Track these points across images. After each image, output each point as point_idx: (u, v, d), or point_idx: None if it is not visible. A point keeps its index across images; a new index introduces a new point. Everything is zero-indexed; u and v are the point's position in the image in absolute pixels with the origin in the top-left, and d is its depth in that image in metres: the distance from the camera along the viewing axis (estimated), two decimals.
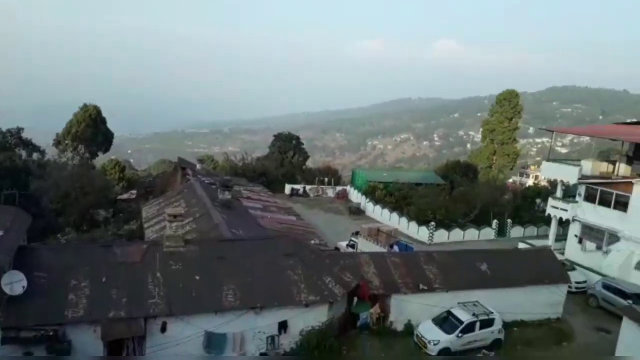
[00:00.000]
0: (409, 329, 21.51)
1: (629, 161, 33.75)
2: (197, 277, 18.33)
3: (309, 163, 74.00)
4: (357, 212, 47.95)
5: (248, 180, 52.63)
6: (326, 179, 57.93)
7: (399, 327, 21.77)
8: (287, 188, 55.25)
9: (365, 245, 31.39)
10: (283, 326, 18.61)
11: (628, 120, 56.63)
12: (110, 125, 63.05)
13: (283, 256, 20.43)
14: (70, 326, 15.70)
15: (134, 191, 50.42)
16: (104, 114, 61.85)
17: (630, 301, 24.05)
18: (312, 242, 30.98)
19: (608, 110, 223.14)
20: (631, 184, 29.19)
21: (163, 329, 16.77)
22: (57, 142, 60.14)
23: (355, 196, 52.63)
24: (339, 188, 56.55)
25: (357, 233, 33.98)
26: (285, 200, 49.29)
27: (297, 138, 70.42)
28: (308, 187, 55.71)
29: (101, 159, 63.77)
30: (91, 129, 59.37)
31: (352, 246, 32.40)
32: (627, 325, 19.18)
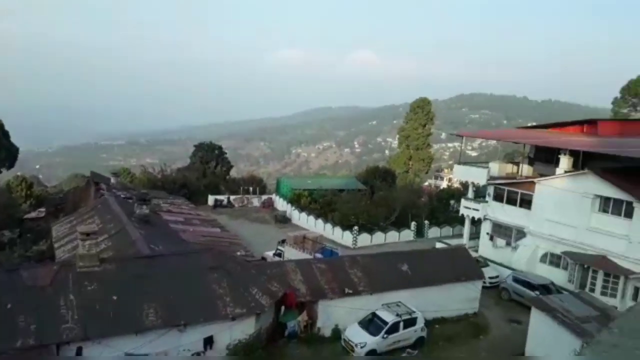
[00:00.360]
0: (337, 333, 21.80)
1: (531, 162, 36.71)
2: (115, 297, 17.40)
3: (233, 172, 72.81)
4: (283, 220, 47.91)
5: (168, 192, 50.76)
6: (251, 189, 57.27)
7: (327, 332, 22.00)
8: (211, 199, 53.98)
9: (291, 254, 31.44)
10: (209, 342, 18.12)
11: (529, 124, 61.83)
12: (14, 139, 58.05)
13: (207, 270, 19.96)
14: None
15: (43, 209, 46.81)
16: (7, 127, 56.79)
17: (537, 292, 26.06)
18: (238, 253, 30.54)
19: (511, 115, 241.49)
20: (533, 183, 31.72)
21: (78, 354, 15.71)
22: None
23: (281, 204, 52.57)
24: (264, 197, 56.16)
25: (283, 241, 33.93)
26: (209, 212, 48.14)
27: (220, 147, 69.02)
28: (232, 197, 54.79)
29: (5, 176, 58.57)
30: None
31: (279, 255, 32.31)
32: (535, 315, 20.57)
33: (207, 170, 62.96)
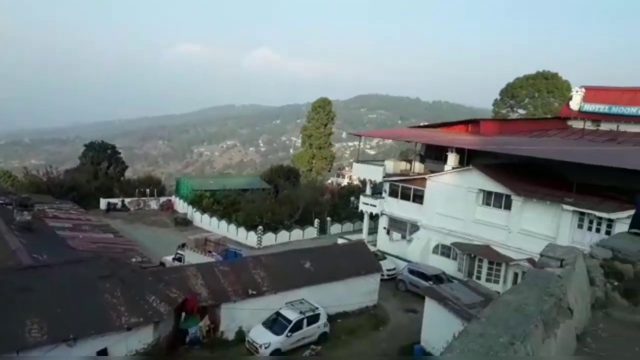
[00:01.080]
0: (241, 336, 21.55)
1: (422, 160, 38.95)
2: None
3: (129, 173, 68.71)
4: (183, 223, 46.25)
5: (55, 197, 46.67)
6: (148, 190, 54.47)
7: (231, 336, 21.67)
8: (103, 203, 50.51)
9: (193, 257, 30.39)
10: (103, 354, 17.00)
11: (421, 124, 65.79)
12: None
13: (98, 279, 18.70)
14: None
15: None
16: None
17: (430, 282, 27.79)
18: (133, 259, 28.94)
19: (405, 115, 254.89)
20: (424, 179, 33.78)
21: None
22: None
23: (181, 206, 50.71)
24: (163, 199, 53.78)
25: (183, 245, 32.74)
26: (101, 217, 45.04)
27: (113, 147, 64.65)
28: (127, 200, 51.74)
29: None
30: None
31: (179, 259, 31.08)
32: (428, 303, 21.83)
33: (99, 172, 58.70)
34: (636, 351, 5.53)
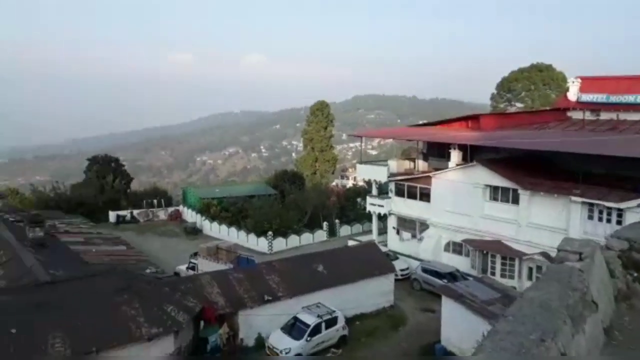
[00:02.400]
0: (260, 342, 21.69)
1: (425, 157, 38.86)
2: (14, 331, 15.88)
3: (134, 185, 69.01)
4: (193, 232, 46.53)
5: (64, 212, 47.03)
6: (155, 201, 54.84)
7: (251, 342, 21.83)
8: (112, 216, 50.88)
9: (206, 265, 30.58)
10: None
11: (420, 122, 65.92)
12: None
13: (115, 292, 18.89)
14: None
15: None
16: None
17: (445, 280, 27.76)
18: (147, 270, 29.19)
19: (403, 114, 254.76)
20: (429, 177, 33.81)
21: None
22: None
23: (190, 216, 50.99)
24: (171, 209, 54.11)
25: (196, 254, 32.94)
26: (112, 230, 45.34)
27: (117, 160, 65.04)
28: (136, 212, 52.10)
29: None
30: None
31: (193, 268, 31.32)
32: (445, 302, 21.70)
33: (105, 186, 59.00)
34: None
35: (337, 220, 46.14)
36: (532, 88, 64.85)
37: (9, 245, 26.98)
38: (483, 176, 30.63)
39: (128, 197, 57.81)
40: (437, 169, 34.45)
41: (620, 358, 5.04)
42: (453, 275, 28.84)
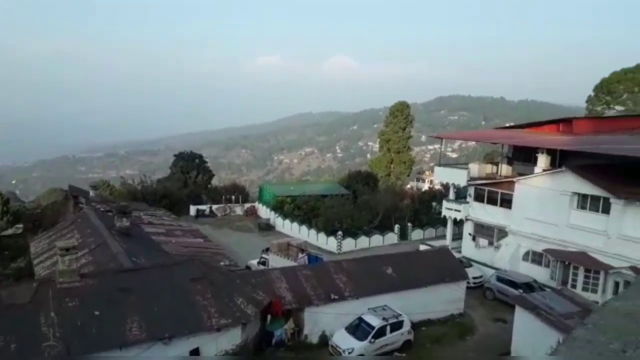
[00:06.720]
0: (324, 340, 21.74)
1: (510, 162, 37.21)
2: (97, 313, 17.05)
3: (215, 181, 72.26)
4: (266, 228, 47.70)
5: (149, 204, 50.07)
6: (233, 197, 56.88)
7: (314, 339, 21.92)
8: (193, 209, 53.46)
9: (276, 261, 31.25)
10: (195, 354, 17.87)
11: (507, 125, 62.87)
12: None
13: (190, 281, 19.70)
14: None
15: (21, 225, 45.65)
16: None
17: (520, 290, 26.35)
18: (222, 263, 30.25)
19: (489, 116, 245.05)
20: (513, 182, 32.17)
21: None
22: None
23: (264, 212, 52.35)
24: (247, 205, 55.85)
25: (267, 249, 33.73)
26: (191, 222, 47.62)
27: (200, 156, 68.49)
28: (215, 206, 54.36)
29: None
30: None
31: (263, 263, 32.08)
32: (519, 313, 20.73)
33: (188, 180, 62.40)
34: None
35: (409, 224, 45.19)
36: (636, 90, 59.60)
37: (98, 233, 29.07)
38: (572, 183, 28.61)
39: (208, 192, 60.55)
40: (521, 174, 32.84)
41: None
42: (529, 286, 27.27)
